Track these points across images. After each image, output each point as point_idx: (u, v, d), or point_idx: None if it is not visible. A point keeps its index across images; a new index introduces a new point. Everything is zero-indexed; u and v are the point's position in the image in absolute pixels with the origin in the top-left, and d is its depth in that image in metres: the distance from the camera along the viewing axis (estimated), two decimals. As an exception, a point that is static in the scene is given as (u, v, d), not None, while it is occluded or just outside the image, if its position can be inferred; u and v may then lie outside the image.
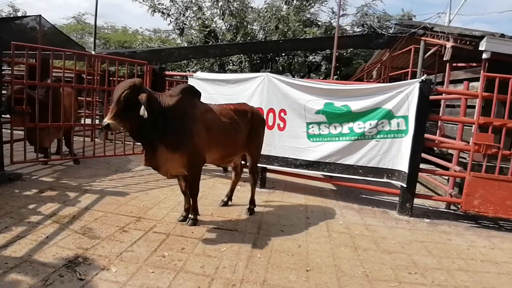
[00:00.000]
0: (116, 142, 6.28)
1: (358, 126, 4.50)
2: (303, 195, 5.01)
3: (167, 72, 6.25)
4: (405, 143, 4.33)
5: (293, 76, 14.06)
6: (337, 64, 14.14)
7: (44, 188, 4.40)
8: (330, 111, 4.60)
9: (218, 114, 3.66)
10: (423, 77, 4.13)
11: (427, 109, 4.26)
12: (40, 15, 6.81)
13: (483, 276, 3.03)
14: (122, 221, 3.59)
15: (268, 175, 5.58)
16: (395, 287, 2.72)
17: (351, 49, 13.14)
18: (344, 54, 13.76)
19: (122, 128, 3.38)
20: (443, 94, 5.37)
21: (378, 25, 11.17)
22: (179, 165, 3.39)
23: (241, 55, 13.04)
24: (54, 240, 3.03)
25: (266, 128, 4.93)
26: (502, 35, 4.53)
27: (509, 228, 4.44)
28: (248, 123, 3.88)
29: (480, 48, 4.52)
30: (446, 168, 5.24)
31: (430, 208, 5.00)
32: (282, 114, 4.89)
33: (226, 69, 13.38)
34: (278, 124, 4.93)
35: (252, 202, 4.16)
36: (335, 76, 11.83)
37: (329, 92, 4.61)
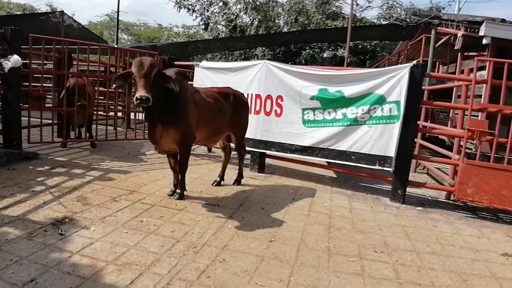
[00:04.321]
0: (137, 130, 6.71)
1: (351, 112, 4.53)
2: (299, 180, 5.11)
3: (176, 62, 6.54)
4: (398, 129, 4.31)
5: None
6: (362, 57, 13.93)
7: (56, 165, 4.81)
8: (324, 97, 4.67)
9: (204, 95, 3.90)
10: (414, 62, 4.10)
11: (418, 94, 4.22)
12: (62, 11, 7.35)
13: (455, 261, 2.98)
14: (116, 193, 3.89)
15: (271, 161, 5.73)
16: (353, 261, 2.78)
17: (375, 41, 12.89)
18: (368, 46, 13.54)
19: None
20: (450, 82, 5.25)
21: (405, 17, 10.87)
22: (172, 140, 3.62)
23: (265, 50, 13.19)
24: (49, 205, 3.37)
25: (264, 114, 5.13)
26: (503, 20, 4.38)
27: (507, 220, 4.29)
28: (231, 105, 4.12)
29: (480, 34, 4.40)
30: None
31: (429, 198, 4.93)
32: (279, 100, 5.01)
33: (249, 63, 13.58)
34: (275, 111, 5.05)
35: (240, 174, 4.54)
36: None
37: (323, 78, 4.68)
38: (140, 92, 3.07)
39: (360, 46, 13.42)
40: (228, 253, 2.69)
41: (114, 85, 3.51)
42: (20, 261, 2.33)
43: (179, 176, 3.89)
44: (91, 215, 3.21)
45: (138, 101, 3.06)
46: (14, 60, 4.61)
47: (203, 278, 2.31)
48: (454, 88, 5.85)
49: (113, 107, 7.31)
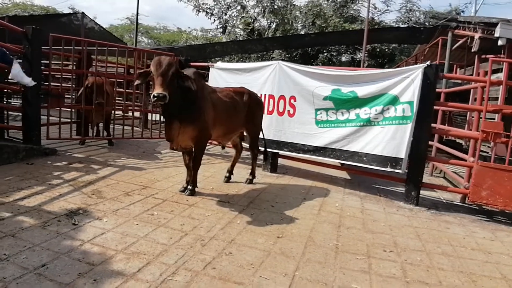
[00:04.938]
0: (153, 130, 6.88)
1: (364, 112, 4.50)
2: (311, 181, 5.10)
3: (191, 63, 6.63)
4: (410, 130, 4.25)
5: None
6: (380, 60, 13.81)
7: (73, 161, 4.95)
8: (337, 97, 4.66)
9: (221, 94, 4.00)
10: (428, 62, 4.05)
11: (432, 94, 4.16)
12: (83, 13, 7.57)
13: (465, 262, 2.92)
14: (130, 188, 3.98)
15: (284, 162, 5.74)
16: (361, 259, 2.77)
17: (393, 44, 12.76)
18: (387, 50, 13.40)
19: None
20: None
21: (424, 21, 10.74)
22: (189, 138, 3.70)
23: (282, 53, 13.24)
24: (64, 197, 3.48)
25: (277, 114, 5.16)
26: (519, 21, 4.29)
27: (524, 224, 4.18)
28: (246, 104, 4.21)
29: (495, 35, 4.33)
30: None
31: (444, 201, 4.85)
32: (292, 100, 5.02)
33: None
34: (288, 111, 5.07)
35: (252, 173, 4.61)
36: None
37: (336, 78, 4.67)
38: (157, 90, 3.14)
39: (378, 50, 13.32)
40: (235, 247, 2.72)
41: (137, 82, 3.60)
42: (33, 247, 2.42)
43: (192, 172, 3.95)
44: (104, 207, 3.30)
45: (155, 99, 3.13)
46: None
47: (208, 269, 2.35)
48: (472, 91, 5.74)
49: (130, 107, 7.47)
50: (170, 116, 3.58)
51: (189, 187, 3.94)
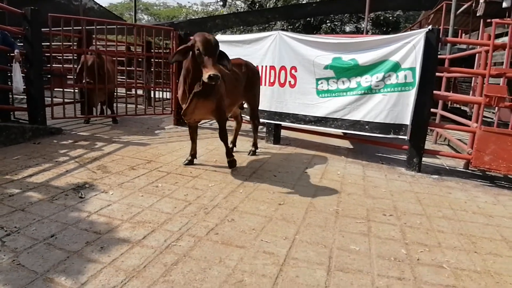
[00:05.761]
0: (156, 107, 6.95)
1: (365, 80, 4.46)
2: (314, 151, 5.13)
3: (191, 38, 6.56)
4: (413, 97, 4.22)
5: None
6: (385, 29, 13.52)
7: (78, 139, 5.03)
8: (338, 66, 4.61)
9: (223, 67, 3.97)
10: (429, 27, 3.97)
11: (434, 60, 4.10)
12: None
13: (465, 225, 2.95)
14: (134, 162, 4.06)
15: (287, 133, 5.77)
16: (360, 223, 2.83)
17: (397, 11, 12.45)
18: (391, 18, 13.09)
19: None
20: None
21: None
22: (207, 111, 3.75)
23: (284, 24, 13.00)
24: (71, 173, 3.57)
25: (278, 86, 5.14)
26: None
27: (527, 188, 4.19)
28: (245, 74, 4.22)
29: (499, -4, 4.21)
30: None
31: (447, 167, 4.86)
32: (293, 71, 4.98)
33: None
34: (289, 82, 5.04)
35: (254, 144, 4.68)
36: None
37: (336, 46, 4.60)
38: (212, 71, 3.10)
39: (382, 18, 13.02)
40: (237, 214, 2.79)
41: (174, 60, 3.58)
42: (42, 220, 2.51)
43: (224, 144, 3.96)
44: (110, 181, 3.38)
45: (211, 79, 3.10)
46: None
47: (211, 234, 2.43)
48: (476, 56, 5.64)
49: (133, 84, 7.48)
50: (189, 91, 3.54)
51: (227, 159, 3.97)
